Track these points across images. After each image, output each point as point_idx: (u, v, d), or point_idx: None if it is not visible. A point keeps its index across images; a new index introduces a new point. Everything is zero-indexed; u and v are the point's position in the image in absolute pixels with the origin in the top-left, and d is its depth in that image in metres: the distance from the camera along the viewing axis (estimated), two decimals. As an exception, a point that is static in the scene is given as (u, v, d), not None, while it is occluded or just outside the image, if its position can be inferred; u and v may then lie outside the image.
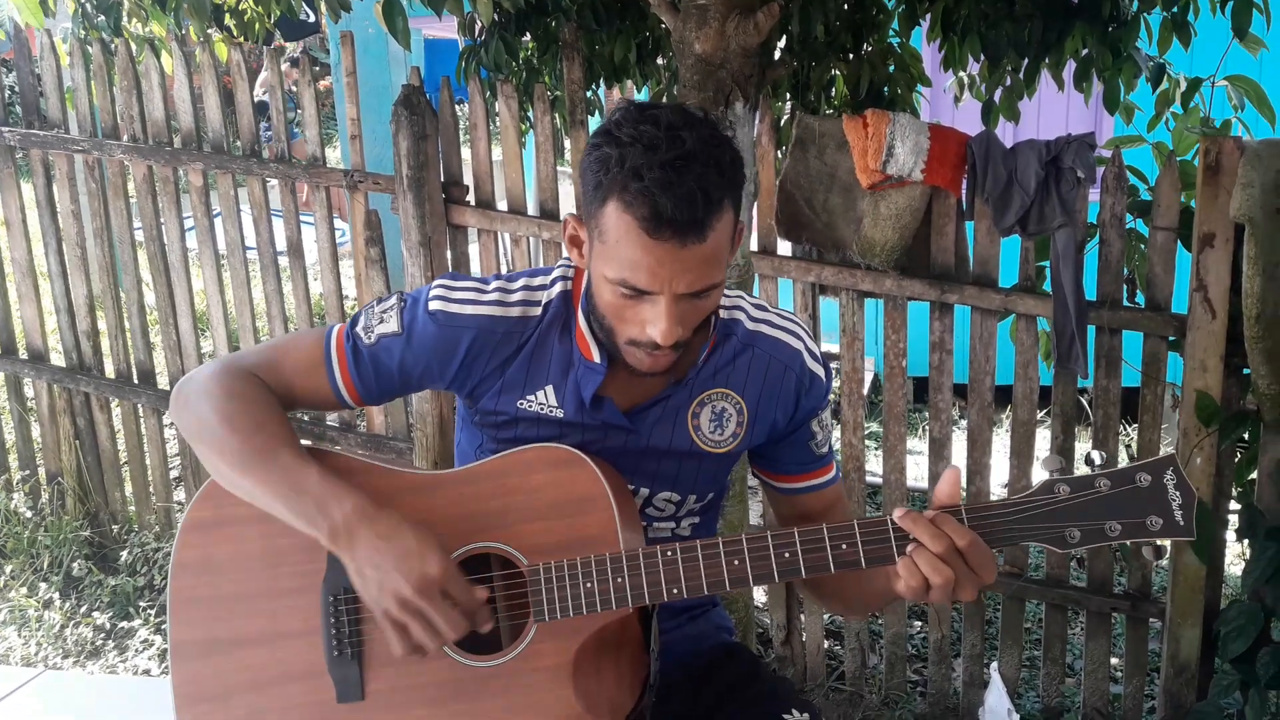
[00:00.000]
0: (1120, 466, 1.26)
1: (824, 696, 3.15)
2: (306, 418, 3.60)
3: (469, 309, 1.43)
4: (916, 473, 4.41)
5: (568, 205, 4.16)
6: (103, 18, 3.77)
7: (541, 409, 1.44)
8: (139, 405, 3.78)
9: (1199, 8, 3.06)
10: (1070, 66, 3.18)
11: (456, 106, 3.24)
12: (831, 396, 1.57)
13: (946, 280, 2.82)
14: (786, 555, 1.30)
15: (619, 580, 1.32)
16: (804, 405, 1.49)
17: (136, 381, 3.76)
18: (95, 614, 3.54)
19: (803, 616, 3.17)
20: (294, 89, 8.44)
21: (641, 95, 3.65)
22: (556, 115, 3.34)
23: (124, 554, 3.75)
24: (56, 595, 3.60)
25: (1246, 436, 2.64)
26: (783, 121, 3.44)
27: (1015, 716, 2.95)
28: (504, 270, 3.41)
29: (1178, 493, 1.25)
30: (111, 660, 3.34)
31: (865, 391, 4.97)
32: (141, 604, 3.57)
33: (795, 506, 1.56)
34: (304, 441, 1.40)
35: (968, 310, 2.86)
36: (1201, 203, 2.53)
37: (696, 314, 1.33)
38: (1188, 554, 2.67)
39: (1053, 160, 2.63)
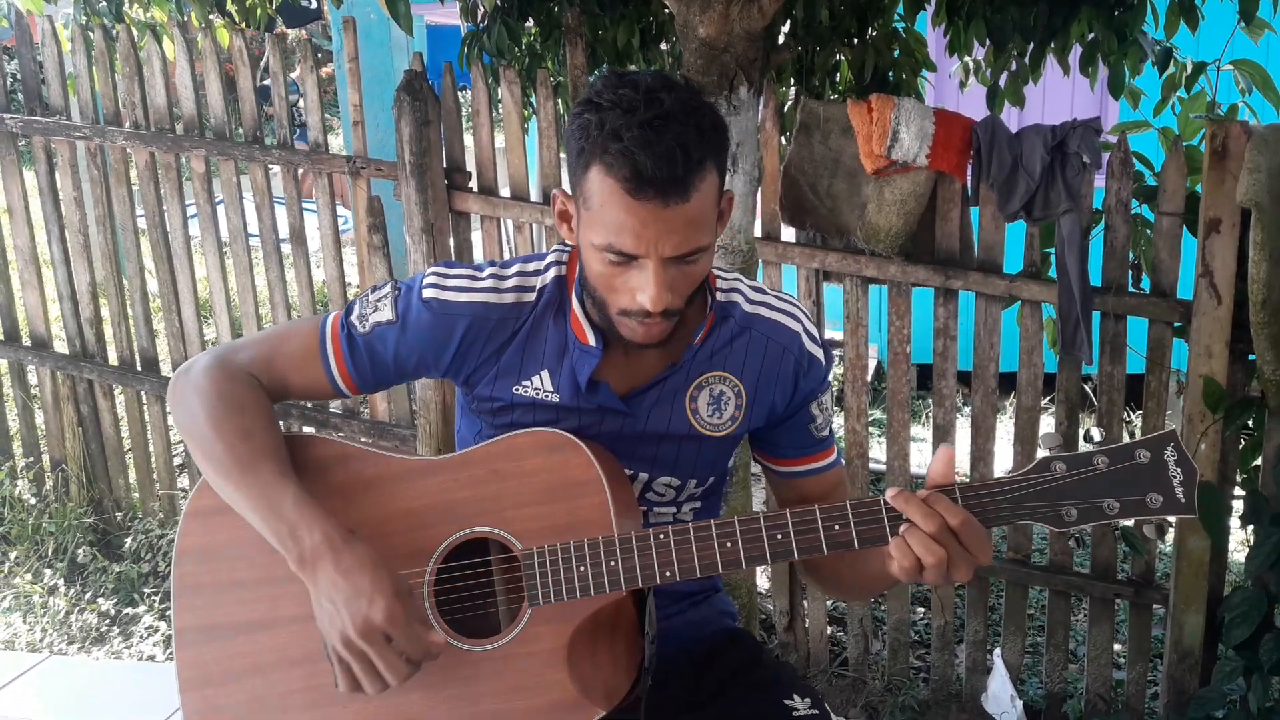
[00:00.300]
0: (1119, 443, 1.23)
1: (827, 682, 3.15)
2: (310, 404, 3.60)
3: (463, 296, 1.43)
4: (920, 459, 4.39)
5: (571, 192, 4.14)
6: (104, 4, 3.77)
7: (537, 394, 1.44)
8: (142, 392, 3.78)
9: (1205, -9, 3.04)
10: (1076, 51, 3.16)
11: (459, 92, 3.22)
12: (835, 383, 1.56)
13: (951, 266, 2.81)
14: (779, 536, 1.29)
15: (612, 563, 1.31)
16: (803, 388, 1.48)
17: (140, 368, 3.76)
18: (100, 600, 3.55)
19: (806, 602, 3.17)
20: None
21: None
22: (560, 101, 3.32)
23: (128, 540, 3.76)
24: (61, 582, 3.62)
25: (1251, 423, 2.64)
26: (787, 106, 3.42)
27: (1018, 702, 2.95)
28: (507, 257, 3.40)
29: (1178, 469, 1.21)
30: (116, 646, 3.35)
31: (869, 378, 4.95)
32: (146, 590, 3.59)
33: (795, 490, 1.54)
34: (306, 429, 1.39)
35: (972, 296, 2.85)
36: (1207, 188, 2.51)
37: (686, 281, 1.32)
38: (1192, 540, 2.66)
39: (1058, 145, 2.61)
